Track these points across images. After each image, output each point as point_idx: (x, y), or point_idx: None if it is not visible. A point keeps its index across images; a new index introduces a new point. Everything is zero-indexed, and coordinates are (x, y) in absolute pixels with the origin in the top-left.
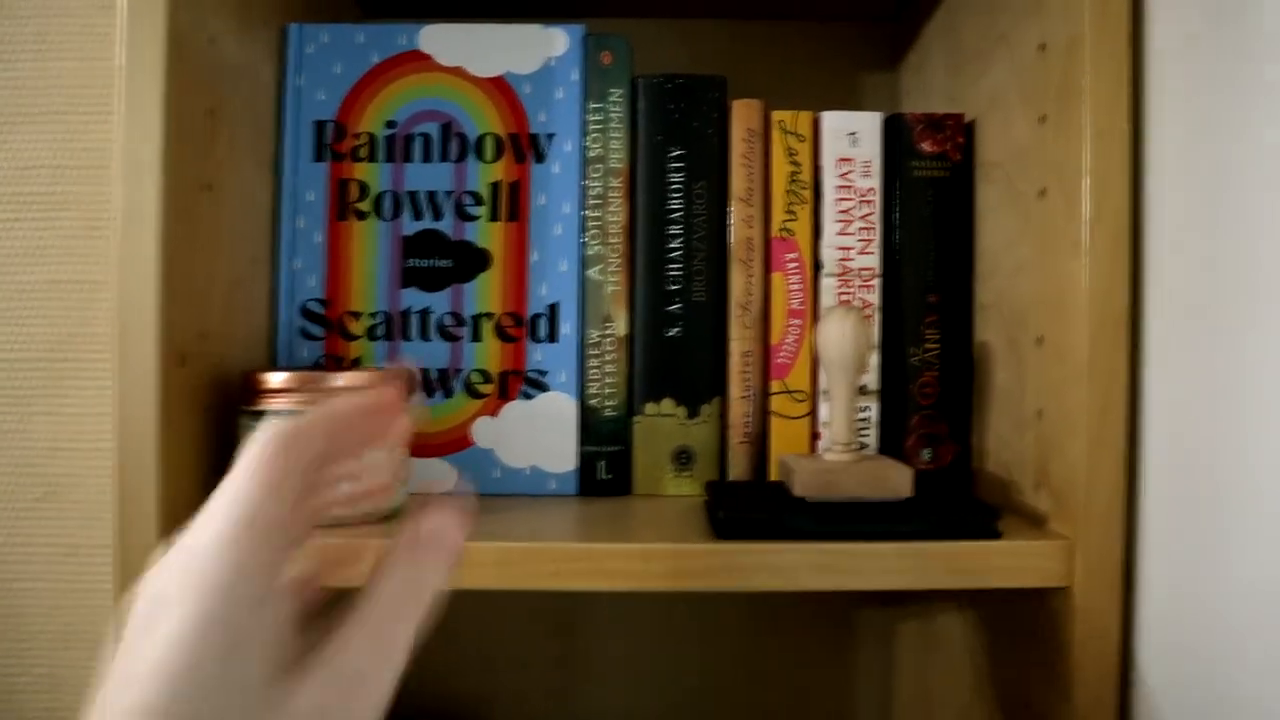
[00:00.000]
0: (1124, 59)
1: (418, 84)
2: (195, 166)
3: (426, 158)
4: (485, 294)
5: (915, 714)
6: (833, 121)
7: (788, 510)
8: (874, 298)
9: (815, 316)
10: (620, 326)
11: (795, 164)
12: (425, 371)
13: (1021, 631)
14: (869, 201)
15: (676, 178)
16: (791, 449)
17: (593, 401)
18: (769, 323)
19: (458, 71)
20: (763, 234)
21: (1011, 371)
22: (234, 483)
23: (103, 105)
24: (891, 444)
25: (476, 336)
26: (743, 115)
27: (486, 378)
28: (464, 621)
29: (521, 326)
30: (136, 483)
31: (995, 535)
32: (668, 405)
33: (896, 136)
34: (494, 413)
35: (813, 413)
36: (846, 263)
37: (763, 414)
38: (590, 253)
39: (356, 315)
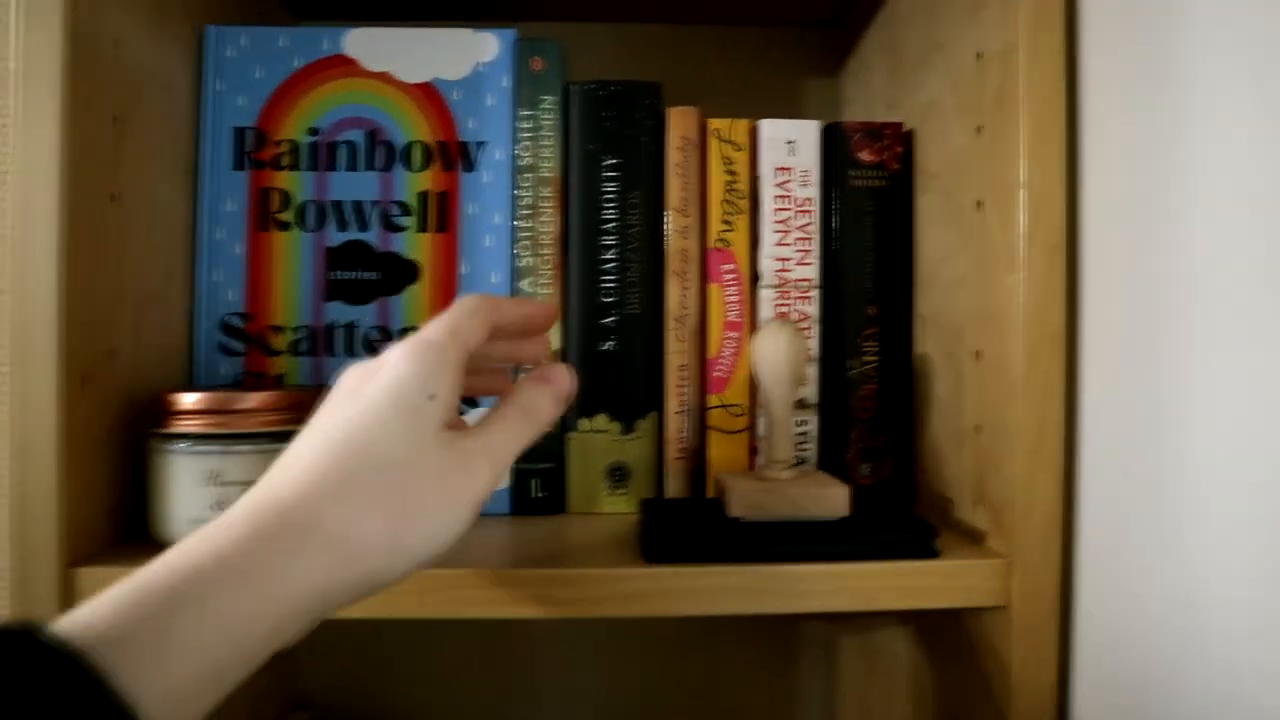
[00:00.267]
0: (1059, 69)
1: (342, 90)
2: (100, 176)
3: (352, 166)
4: (414, 307)
5: None
6: (770, 130)
7: (720, 532)
8: (813, 309)
9: (753, 329)
10: (553, 340)
11: (732, 173)
12: None
13: (961, 650)
14: (807, 211)
15: (610, 187)
16: (730, 464)
17: None
18: (705, 336)
19: (384, 77)
20: (699, 245)
21: (950, 386)
22: (455, 307)
23: None
24: (831, 458)
25: None
26: (678, 123)
27: None
28: (397, 640)
29: None
30: (35, 511)
31: (933, 555)
32: (602, 421)
33: (835, 145)
34: None
35: (751, 427)
36: (784, 274)
37: (700, 429)
38: (522, 264)
39: (279, 330)
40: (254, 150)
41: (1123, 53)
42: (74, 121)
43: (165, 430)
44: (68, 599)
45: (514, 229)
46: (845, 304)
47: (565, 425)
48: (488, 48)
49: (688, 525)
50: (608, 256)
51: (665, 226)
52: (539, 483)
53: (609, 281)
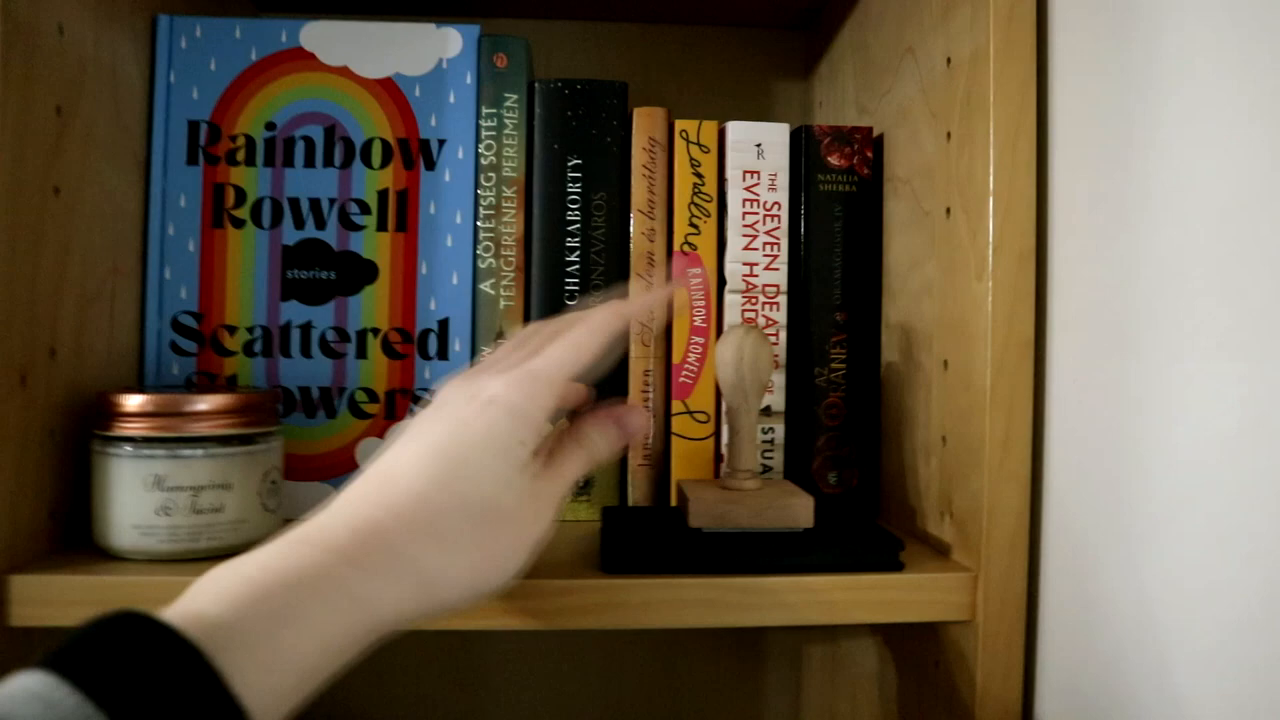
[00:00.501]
0: (1029, 74)
1: (300, 84)
2: (40, 167)
3: (309, 163)
4: (371, 308)
5: None
6: (738, 132)
7: (680, 543)
8: (780, 315)
9: (719, 334)
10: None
11: (699, 175)
12: (306, 390)
13: (927, 663)
14: (775, 216)
15: (574, 188)
16: (694, 471)
17: None
18: (671, 341)
19: (343, 71)
20: (665, 248)
21: (917, 395)
22: (571, 343)
23: None
24: (797, 467)
25: (362, 353)
26: (645, 124)
27: (372, 397)
28: None
29: (410, 343)
30: None
31: (897, 568)
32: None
33: (804, 149)
34: (380, 434)
35: (717, 435)
36: (751, 279)
37: (664, 435)
38: (483, 266)
39: (232, 329)
40: (208, 145)
41: (1094, 59)
42: (11, 111)
43: (108, 433)
44: (0, 608)
45: (476, 229)
46: (813, 310)
47: None
48: (451, 43)
49: (647, 536)
50: (571, 259)
51: (630, 229)
52: None
53: (572, 284)
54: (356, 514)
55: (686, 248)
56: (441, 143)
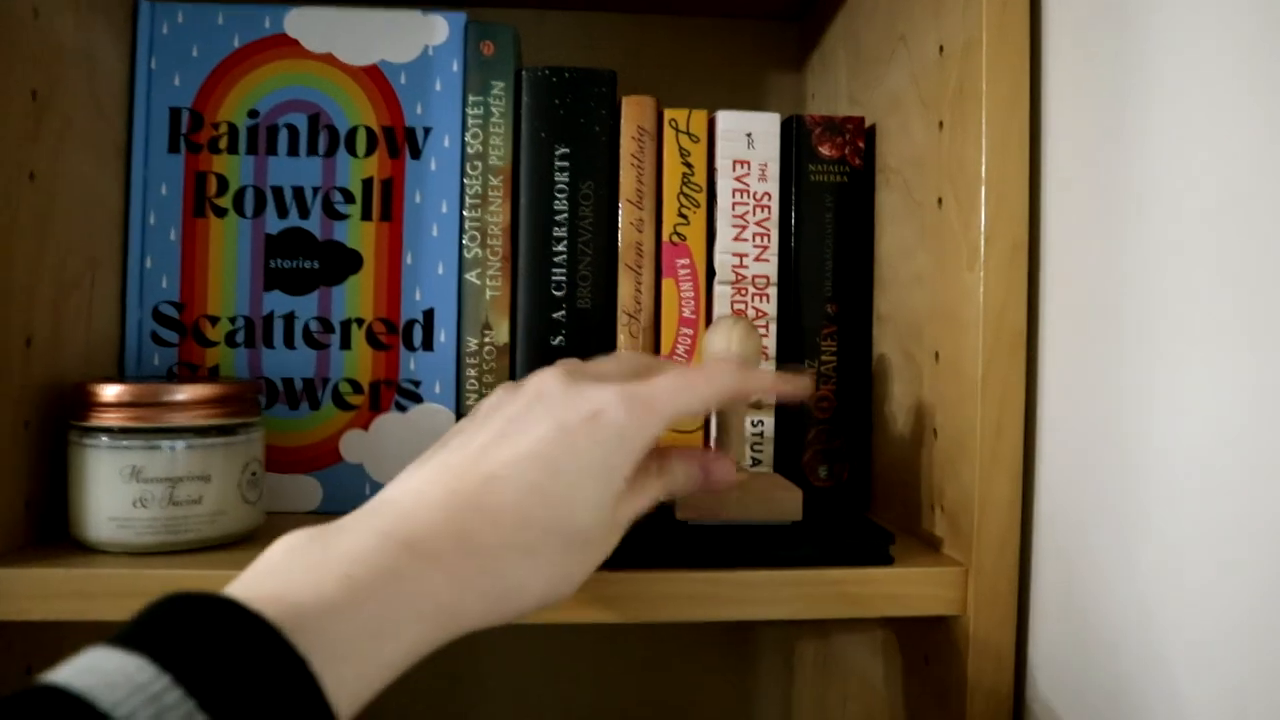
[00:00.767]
0: (1022, 63)
1: (283, 71)
2: (15, 153)
3: (292, 151)
4: (355, 298)
5: None
6: (728, 122)
7: (668, 536)
8: (770, 307)
9: (708, 326)
10: (500, 334)
11: (688, 165)
12: (289, 381)
13: (916, 658)
14: (765, 206)
15: (562, 177)
16: None
17: None
18: (659, 332)
19: (327, 59)
20: (653, 238)
21: (908, 387)
22: (703, 383)
23: None
24: (787, 460)
25: (346, 344)
26: (634, 112)
27: (357, 388)
28: None
29: (395, 333)
30: None
31: (887, 561)
32: None
33: (795, 139)
34: (365, 426)
35: (705, 427)
36: (741, 270)
37: None
38: (469, 255)
39: (214, 320)
40: (190, 132)
41: (1088, 46)
42: None
43: (84, 423)
44: None
45: (461, 219)
46: (803, 302)
47: None
48: (437, 30)
49: (634, 529)
50: (558, 249)
51: (618, 219)
52: None
53: (559, 274)
54: (453, 518)
55: (675, 238)
56: (427, 131)
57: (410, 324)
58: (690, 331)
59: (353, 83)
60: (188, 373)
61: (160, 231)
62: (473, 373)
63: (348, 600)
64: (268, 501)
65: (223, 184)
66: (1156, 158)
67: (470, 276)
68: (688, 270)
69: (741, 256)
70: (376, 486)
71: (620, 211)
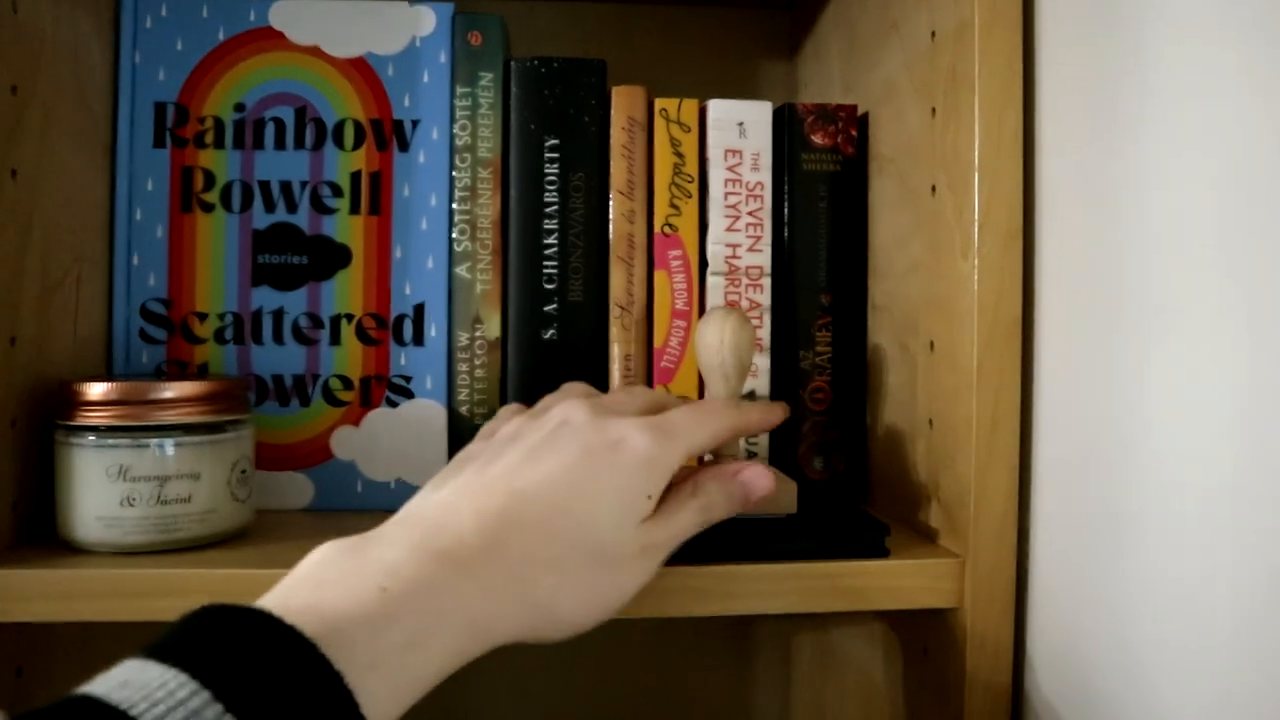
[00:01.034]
0: (1015, 47)
1: (269, 64)
2: None
3: (279, 145)
4: (345, 293)
5: None
6: (719, 111)
7: None
8: (763, 298)
9: (701, 317)
10: (492, 328)
11: (680, 155)
12: (279, 378)
13: (914, 651)
14: (758, 196)
15: (552, 169)
16: None
17: (463, 409)
18: (652, 324)
19: (314, 51)
20: (645, 230)
21: (904, 377)
22: (712, 418)
23: None
24: (783, 452)
25: (335, 339)
26: (624, 103)
27: (347, 384)
28: None
29: (385, 328)
30: None
31: (883, 554)
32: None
33: (787, 128)
34: (356, 422)
35: None
36: (734, 261)
37: None
38: (459, 249)
39: (202, 316)
40: (175, 127)
41: (1083, 30)
42: None
43: (70, 422)
44: None
45: (451, 212)
46: (797, 292)
47: None
48: (424, 21)
49: None
50: (549, 241)
51: (610, 210)
52: None
53: (550, 267)
54: (483, 530)
55: (667, 229)
56: (415, 123)
57: (400, 319)
58: (683, 323)
59: (339, 75)
60: (176, 370)
61: (147, 228)
62: (464, 367)
63: (383, 613)
64: (258, 499)
65: (209, 179)
66: (1154, 141)
67: (460, 270)
68: (680, 261)
69: (734, 247)
70: (368, 483)
71: (611, 203)
